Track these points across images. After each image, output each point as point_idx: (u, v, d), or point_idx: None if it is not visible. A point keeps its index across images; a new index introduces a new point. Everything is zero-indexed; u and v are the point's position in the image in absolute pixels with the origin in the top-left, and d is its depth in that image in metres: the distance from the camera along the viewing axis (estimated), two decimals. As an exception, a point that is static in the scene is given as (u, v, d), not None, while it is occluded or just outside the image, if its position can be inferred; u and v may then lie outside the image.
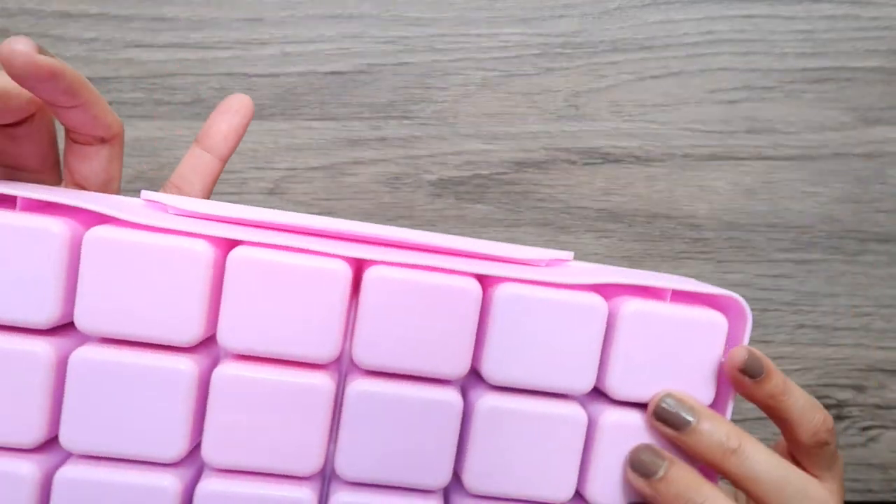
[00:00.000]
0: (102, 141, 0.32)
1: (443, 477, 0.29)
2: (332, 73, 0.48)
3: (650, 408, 0.30)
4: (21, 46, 0.24)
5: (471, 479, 0.29)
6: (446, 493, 0.31)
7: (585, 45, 0.49)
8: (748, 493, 0.29)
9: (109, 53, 0.47)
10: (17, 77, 0.25)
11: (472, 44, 0.48)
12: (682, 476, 0.29)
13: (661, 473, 0.29)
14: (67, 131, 0.32)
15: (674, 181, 0.51)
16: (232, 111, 0.35)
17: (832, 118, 0.50)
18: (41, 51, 0.25)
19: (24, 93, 0.28)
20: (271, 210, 0.30)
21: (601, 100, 0.49)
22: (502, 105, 0.49)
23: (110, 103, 0.47)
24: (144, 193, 0.29)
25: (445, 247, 0.30)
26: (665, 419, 0.29)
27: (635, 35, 0.49)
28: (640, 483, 0.29)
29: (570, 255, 0.32)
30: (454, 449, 0.29)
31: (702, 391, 0.31)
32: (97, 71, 0.47)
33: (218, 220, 0.29)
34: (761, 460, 0.29)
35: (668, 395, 0.30)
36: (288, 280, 0.27)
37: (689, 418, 0.29)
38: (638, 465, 0.29)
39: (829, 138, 0.50)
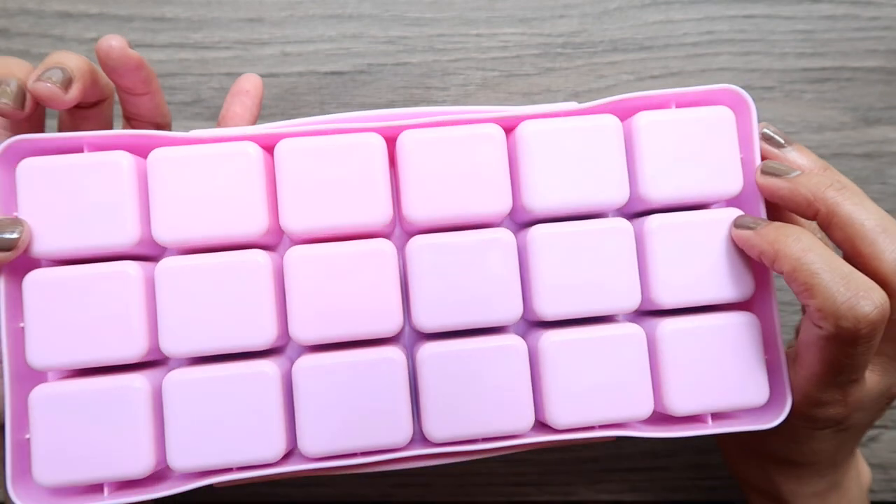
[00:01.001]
0: (157, 127, 0.36)
1: (514, 310, 0.31)
2: (332, 73, 0.48)
3: (759, 136, 0.32)
4: (116, 42, 0.30)
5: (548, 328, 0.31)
6: (524, 335, 0.33)
7: (585, 45, 0.49)
8: (847, 212, 0.30)
9: (109, 53, 0.47)
10: (111, 67, 0.30)
11: (472, 44, 0.48)
12: (816, 175, 0.31)
13: (794, 174, 0.31)
14: (129, 119, 0.36)
15: (674, 181, 0.51)
16: (243, 92, 0.37)
17: (832, 118, 0.50)
18: (130, 45, 0.30)
19: (105, 77, 0.33)
20: (303, 119, 0.33)
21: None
22: (502, 105, 0.49)
23: (110, 103, 0.47)
24: (193, 132, 0.32)
25: (464, 110, 0.32)
26: (769, 138, 0.32)
27: (635, 35, 0.49)
28: (774, 182, 0.31)
29: (574, 104, 0.33)
30: (518, 279, 0.31)
31: (729, 182, 0.32)
32: (97, 71, 0.47)
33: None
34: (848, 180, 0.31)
35: (765, 125, 0.33)
36: (331, 158, 0.31)
37: (784, 141, 0.32)
38: (770, 169, 0.31)
39: (829, 138, 0.50)
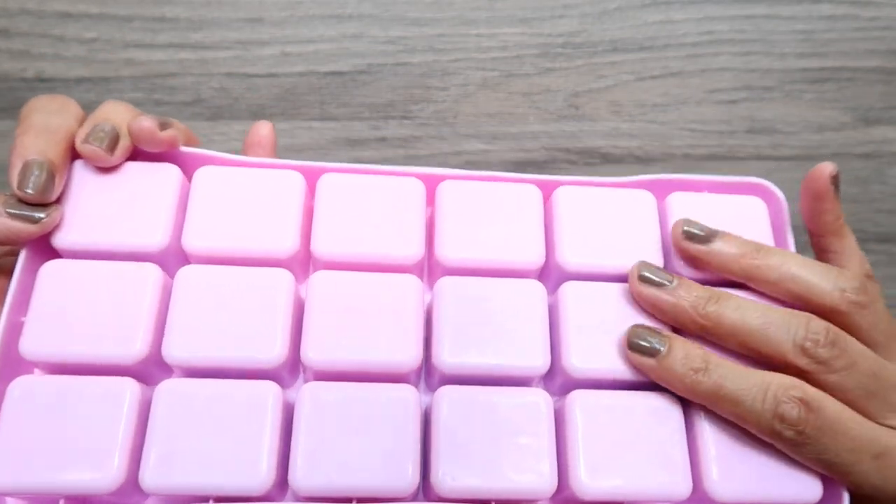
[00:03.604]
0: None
1: (542, 361, 0.29)
2: (332, 73, 0.48)
3: (675, 232, 0.31)
4: (147, 124, 0.30)
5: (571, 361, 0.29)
6: (549, 389, 0.31)
7: (585, 45, 0.49)
8: (782, 291, 0.30)
9: (109, 53, 0.47)
10: (146, 149, 0.31)
11: (472, 44, 0.48)
12: (691, 285, 0.30)
13: (674, 283, 0.30)
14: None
15: (674, 181, 0.51)
16: (256, 144, 0.37)
17: (832, 118, 0.50)
18: (164, 126, 0.30)
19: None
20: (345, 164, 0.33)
21: (601, 100, 0.49)
22: (502, 105, 0.49)
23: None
24: (242, 157, 0.33)
25: (508, 176, 0.33)
26: (693, 236, 0.31)
27: (635, 35, 0.49)
28: (655, 293, 0.30)
29: (609, 178, 0.34)
30: (547, 329, 0.30)
31: None
32: (97, 71, 0.47)
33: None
34: (779, 258, 0.30)
35: (685, 221, 0.31)
36: (371, 194, 0.31)
37: (707, 234, 0.31)
38: (647, 276, 0.30)
39: (829, 138, 0.50)
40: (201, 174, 0.31)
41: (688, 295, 0.29)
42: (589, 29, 0.49)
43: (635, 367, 0.29)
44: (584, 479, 0.27)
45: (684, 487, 0.28)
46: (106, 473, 0.26)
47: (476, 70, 0.49)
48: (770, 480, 0.28)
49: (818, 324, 0.28)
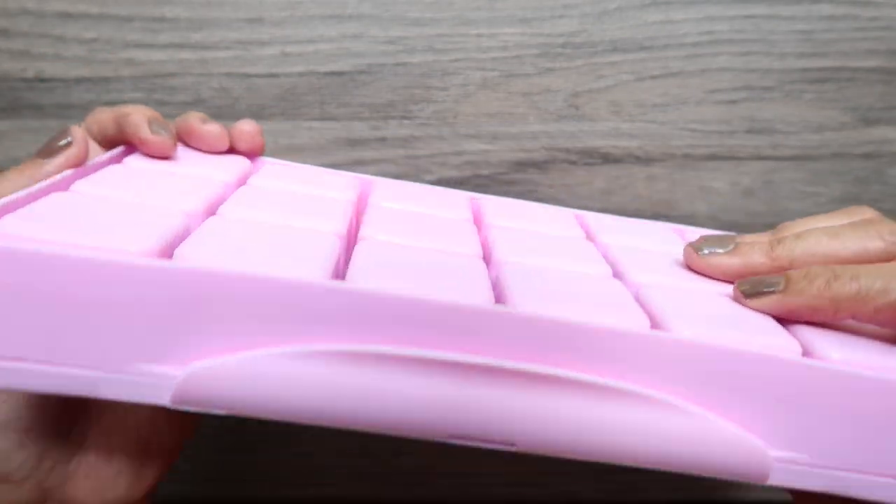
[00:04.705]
0: None
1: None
2: (332, 73, 0.48)
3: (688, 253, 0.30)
4: (249, 128, 0.36)
5: None
6: None
7: (585, 45, 0.49)
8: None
9: (109, 53, 0.47)
10: (239, 147, 0.36)
11: (472, 44, 0.48)
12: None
13: (732, 245, 0.29)
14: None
15: (674, 181, 0.51)
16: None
17: (832, 118, 0.50)
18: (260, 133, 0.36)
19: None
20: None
21: (601, 100, 0.49)
22: (502, 105, 0.49)
23: (110, 103, 0.47)
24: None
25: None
26: (711, 254, 0.29)
27: (635, 35, 0.49)
28: (722, 260, 0.29)
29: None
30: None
31: None
32: (97, 71, 0.47)
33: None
34: (810, 240, 0.28)
35: (692, 244, 0.30)
36: (420, 199, 0.35)
37: (727, 246, 0.29)
38: (702, 246, 0.29)
39: (828, 138, 0.50)
40: (267, 165, 0.36)
41: (751, 251, 0.28)
42: (589, 29, 0.49)
43: (765, 313, 0.27)
44: (676, 321, 0.25)
45: (793, 345, 0.25)
46: (141, 239, 0.23)
47: (476, 70, 0.49)
48: (887, 354, 0.25)
49: (887, 226, 0.26)
